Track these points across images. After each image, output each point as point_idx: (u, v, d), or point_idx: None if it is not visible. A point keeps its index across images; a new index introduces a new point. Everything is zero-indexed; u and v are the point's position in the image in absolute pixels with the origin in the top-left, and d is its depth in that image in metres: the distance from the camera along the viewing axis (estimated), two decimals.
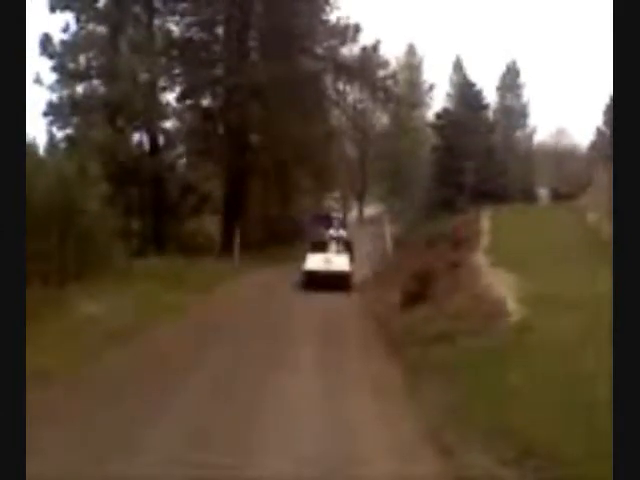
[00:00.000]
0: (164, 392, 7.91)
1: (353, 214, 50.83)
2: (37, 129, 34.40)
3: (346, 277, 19.88)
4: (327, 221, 23.53)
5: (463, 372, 7.84)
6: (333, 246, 21.18)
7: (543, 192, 44.58)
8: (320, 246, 21.19)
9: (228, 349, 10.96)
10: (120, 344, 10.70)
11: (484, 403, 6.65)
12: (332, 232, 21.99)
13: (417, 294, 13.26)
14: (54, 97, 27.67)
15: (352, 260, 20.90)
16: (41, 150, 23.86)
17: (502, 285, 11.58)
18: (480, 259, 14.52)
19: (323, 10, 32.80)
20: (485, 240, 17.37)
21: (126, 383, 8.42)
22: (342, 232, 22.14)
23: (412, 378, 8.44)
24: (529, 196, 40.14)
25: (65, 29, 27.70)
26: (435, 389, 7.59)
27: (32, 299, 11.56)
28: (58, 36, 27.76)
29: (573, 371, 6.68)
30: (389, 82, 35.85)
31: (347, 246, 21.51)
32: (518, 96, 53.62)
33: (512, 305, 10.17)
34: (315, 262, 20.00)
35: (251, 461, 5.55)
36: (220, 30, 31.80)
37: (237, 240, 25.88)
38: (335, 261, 20.18)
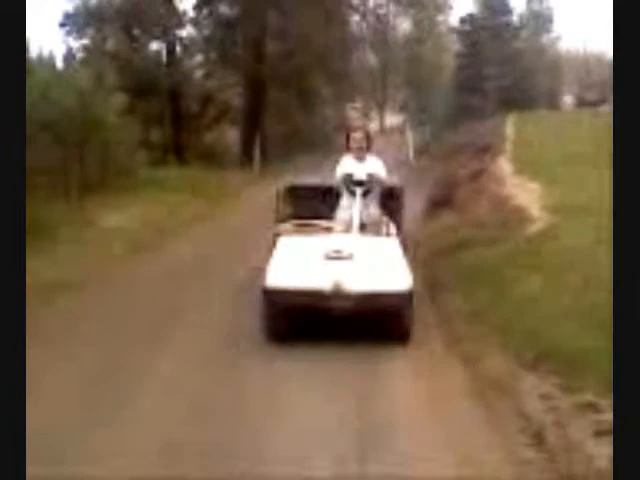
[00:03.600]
0: (191, 291, 8.20)
1: (375, 124, 50.23)
2: (55, 41, 33.70)
3: (398, 311, 6.18)
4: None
5: (484, 279, 7.83)
6: (354, 207, 6.97)
7: (568, 99, 43.67)
8: (317, 204, 7.83)
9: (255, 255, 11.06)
10: (146, 252, 10.88)
11: (504, 308, 6.67)
12: (353, 167, 7.11)
13: (440, 202, 13.17)
14: (70, 7, 27.12)
15: (404, 241, 7.39)
16: (59, 62, 23.46)
17: (526, 193, 11.45)
18: (504, 167, 14.31)
19: None
20: (509, 147, 17.07)
21: (158, 287, 8.65)
22: (376, 164, 7.20)
23: (432, 285, 8.45)
24: (554, 103, 39.31)
25: None
26: (456, 296, 7.62)
27: (54, 212, 11.77)
28: None
29: (594, 276, 6.65)
30: None
31: (392, 203, 7.84)
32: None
33: (536, 213, 10.08)
34: (302, 265, 6.37)
35: None
36: None
37: (257, 150, 25.70)
38: (361, 257, 6.34)
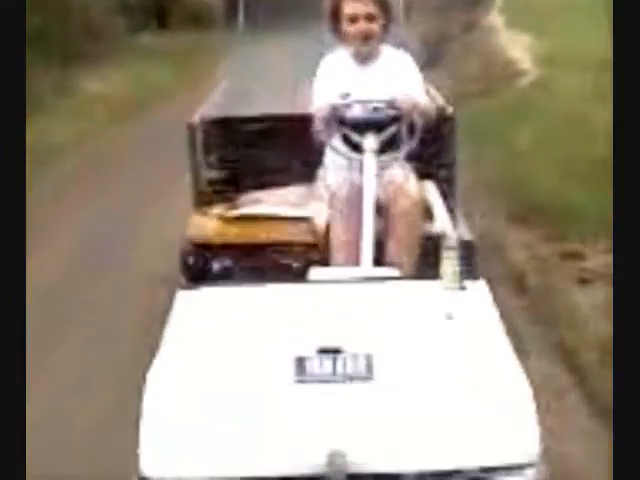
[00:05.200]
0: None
1: None
2: None
3: None
4: None
5: (475, 132, 7.75)
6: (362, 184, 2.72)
7: None
8: (276, 157, 3.53)
9: None
10: (136, 118, 10.70)
11: (496, 161, 6.64)
12: (351, 81, 3.04)
13: (429, 59, 12.83)
14: None
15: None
16: None
17: (517, 46, 11.20)
18: (495, 20, 13.91)
19: None
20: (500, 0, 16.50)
21: (157, 145, 8.60)
22: (402, 70, 3.08)
23: None
24: None
25: None
26: None
27: (37, 81, 11.46)
28: None
29: (584, 130, 6.61)
30: None
31: (430, 152, 3.39)
32: None
33: (527, 65, 9.91)
34: (233, 406, 1.87)
35: None
36: None
37: (241, 11, 24.82)
38: (398, 368, 1.92)
